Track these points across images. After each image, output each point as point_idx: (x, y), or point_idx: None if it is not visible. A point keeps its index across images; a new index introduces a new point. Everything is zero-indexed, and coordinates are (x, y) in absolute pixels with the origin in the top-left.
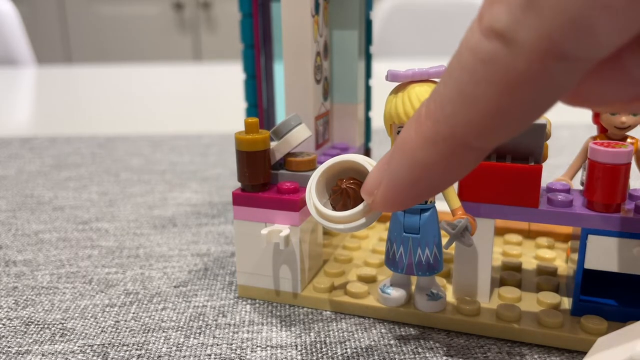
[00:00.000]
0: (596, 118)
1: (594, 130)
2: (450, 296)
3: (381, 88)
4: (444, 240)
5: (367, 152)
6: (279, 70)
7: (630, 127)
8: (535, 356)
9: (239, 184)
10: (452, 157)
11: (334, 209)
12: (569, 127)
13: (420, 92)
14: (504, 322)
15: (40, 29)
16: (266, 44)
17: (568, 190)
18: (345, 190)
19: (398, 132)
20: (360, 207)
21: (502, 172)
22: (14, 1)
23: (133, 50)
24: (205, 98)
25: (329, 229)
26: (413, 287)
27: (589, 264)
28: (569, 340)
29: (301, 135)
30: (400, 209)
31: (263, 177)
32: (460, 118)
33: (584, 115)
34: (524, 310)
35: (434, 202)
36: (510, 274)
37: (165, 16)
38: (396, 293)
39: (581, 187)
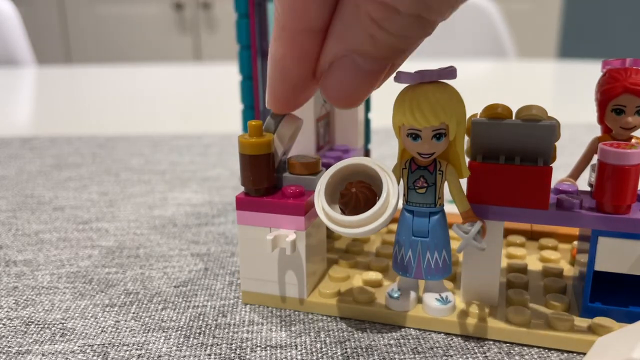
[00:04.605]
0: (601, 118)
1: (593, 130)
2: (458, 300)
3: (380, 89)
4: (453, 243)
5: (367, 153)
6: None
7: (635, 127)
8: (535, 356)
9: (239, 184)
10: (295, 43)
11: (343, 212)
12: (569, 127)
13: (431, 93)
14: (514, 325)
15: (40, 29)
16: (263, 45)
17: (576, 192)
18: (355, 194)
19: (407, 135)
20: (371, 211)
21: (511, 174)
22: (14, 1)
23: (133, 50)
24: (205, 98)
25: (339, 233)
26: (421, 291)
27: (599, 266)
28: (580, 343)
29: (292, 123)
30: (287, 109)
31: (267, 181)
32: (286, 8)
33: (583, 116)
34: (534, 314)
35: (443, 205)
36: (516, 277)
37: (165, 16)
38: (405, 297)
39: (589, 188)
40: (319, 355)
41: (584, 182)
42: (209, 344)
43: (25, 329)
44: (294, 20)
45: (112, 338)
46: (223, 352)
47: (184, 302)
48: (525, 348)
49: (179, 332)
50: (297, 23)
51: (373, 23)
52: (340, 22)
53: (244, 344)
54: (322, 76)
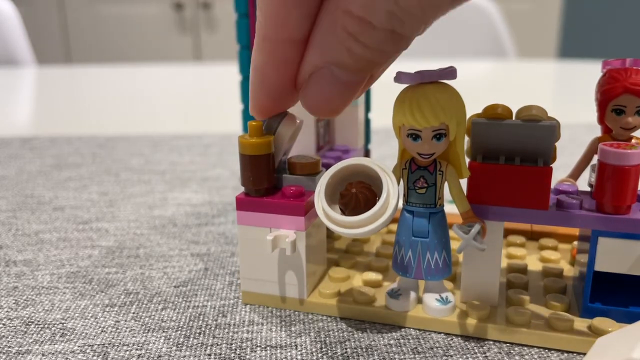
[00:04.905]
0: (601, 118)
1: (593, 131)
2: (458, 300)
3: (380, 89)
4: (453, 243)
5: (367, 154)
6: None
7: (635, 128)
8: (535, 356)
9: (239, 184)
10: (275, 53)
11: (343, 213)
12: (568, 127)
13: (431, 94)
14: (514, 326)
15: (40, 29)
16: None
17: (576, 192)
18: (355, 194)
19: (407, 135)
20: (371, 211)
21: (511, 174)
22: (14, 1)
23: (133, 50)
24: (205, 98)
25: (339, 233)
26: (421, 291)
27: (599, 266)
28: (580, 343)
29: (292, 123)
30: (263, 115)
31: (267, 181)
32: (268, 19)
33: (583, 116)
34: (534, 314)
35: (443, 205)
36: (516, 277)
37: (165, 16)
38: (405, 298)
39: (589, 189)
40: (319, 355)
41: (584, 183)
42: (209, 344)
43: (25, 329)
44: (275, 30)
45: (112, 338)
46: (223, 352)
47: (184, 302)
48: (525, 348)
49: (179, 332)
50: (278, 33)
51: (349, 36)
52: (319, 34)
53: (244, 344)
54: (302, 87)
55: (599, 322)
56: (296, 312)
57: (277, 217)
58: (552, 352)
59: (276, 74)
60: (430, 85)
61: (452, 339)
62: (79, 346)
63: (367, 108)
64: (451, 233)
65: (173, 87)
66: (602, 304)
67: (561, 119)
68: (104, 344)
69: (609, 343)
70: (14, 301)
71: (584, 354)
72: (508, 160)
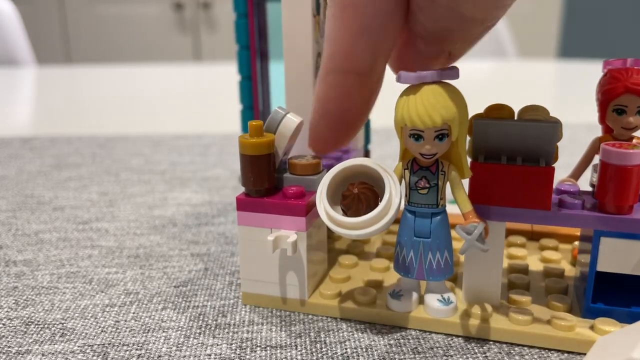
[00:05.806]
0: (602, 118)
1: (593, 131)
2: (459, 301)
3: (381, 89)
4: (455, 244)
5: (367, 154)
6: (274, 71)
7: (636, 128)
8: (535, 356)
9: (239, 184)
10: (339, 85)
11: (345, 214)
12: (569, 127)
13: (433, 94)
14: (516, 326)
15: (40, 29)
16: (262, 45)
17: (578, 192)
18: (357, 195)
19: (410, 136)
20: (374, 212)
21: (513, 174)
22: (14, 1)
23: (133, 50)
24: (205, 98)
25: (342, 235)
26: (422, 292)
27: (601, 267)
28: (582, 344)
29: (292, 122)
30: (321, 145)
31: (268, 182)
32: (334, 48)
33: (583, 116)
34: (535, 315)
35: (445, 206)
36: (518, 277)
37: (165, 16)
38: (407, 298)
39: (590, 189)
40: (319, 355)
41: (584, 183)
42: (209, 344)
43: (25, 329)
44: (341, 61)
45: (112, 338)
46: (223, 352)
47: (184, 302)
48: (525, 348)
49: (179, 332)
50: (344, 64)
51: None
52: None
53: (244, 344)
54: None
55: (602, 322)
56: (296, 312)
57: (278, 218)
58: (551, 352)
59: (338, 106)
60: (432, 85)
61: (452, 339)
62: (79, 346)
63: None
64: (452, 233)
65: (173, 87)
66: (604, 304)
67: (561, 118)
68: (104, 344)
69: (609, 343)
70: (14, 301)
71: (584, 353)
72: (510, 160)
